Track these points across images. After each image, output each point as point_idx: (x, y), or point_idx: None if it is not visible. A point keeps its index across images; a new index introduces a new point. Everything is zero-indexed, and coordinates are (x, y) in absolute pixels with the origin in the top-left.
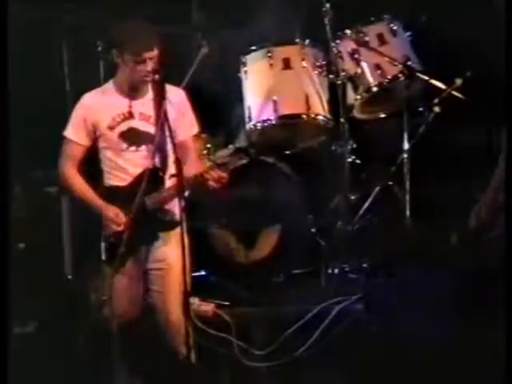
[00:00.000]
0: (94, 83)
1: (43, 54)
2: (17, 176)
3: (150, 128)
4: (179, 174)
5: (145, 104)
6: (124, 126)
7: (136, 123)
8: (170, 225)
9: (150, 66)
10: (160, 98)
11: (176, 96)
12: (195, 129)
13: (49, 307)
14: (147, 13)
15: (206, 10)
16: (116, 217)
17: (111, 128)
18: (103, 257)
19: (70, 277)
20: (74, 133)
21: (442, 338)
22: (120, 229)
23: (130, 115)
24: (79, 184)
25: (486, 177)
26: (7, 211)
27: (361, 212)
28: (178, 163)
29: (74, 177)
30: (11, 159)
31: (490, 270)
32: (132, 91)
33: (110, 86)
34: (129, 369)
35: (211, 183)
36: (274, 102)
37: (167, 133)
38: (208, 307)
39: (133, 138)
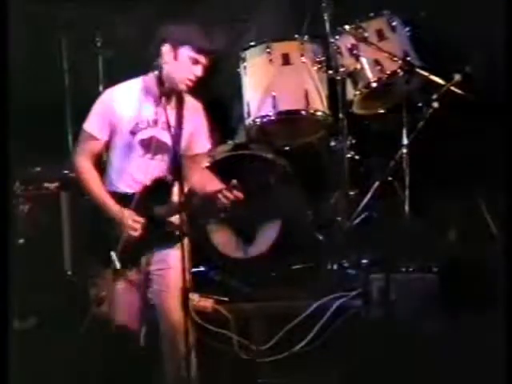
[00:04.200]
0: (93, 79)
1: (42, 50)
2: (16, 171)
3: (168, 138)
4: (182, 190)
5: (168, 113)
6: (146, 134)
7: (158, 132)
8: (176, 237)
9: (199, 70)
10: (180, 109)
11: (195, 109)
12: (208, 146)
13: (48, 303)
14: (147, 10)
15: (206, 6)
16: (133, 222)
17: (133, 133)
18: (117, 265)
19: (69, 272)
20: (94, 127)
21: (441, 335)
22: (136, 234)
23: (155, 123)
24: (94, 181)
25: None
26: (7, 207)
27: (360, 207)
28: (181, 180)
29: (89, 172)
30: (11, 155)
31: (489, 267)
32: (162, 95)
33: (137, 85)
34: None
35: (223, 201)
36: (273, 97)
37: (181, 145)
38: (207, 303)
39: (152, 146)
